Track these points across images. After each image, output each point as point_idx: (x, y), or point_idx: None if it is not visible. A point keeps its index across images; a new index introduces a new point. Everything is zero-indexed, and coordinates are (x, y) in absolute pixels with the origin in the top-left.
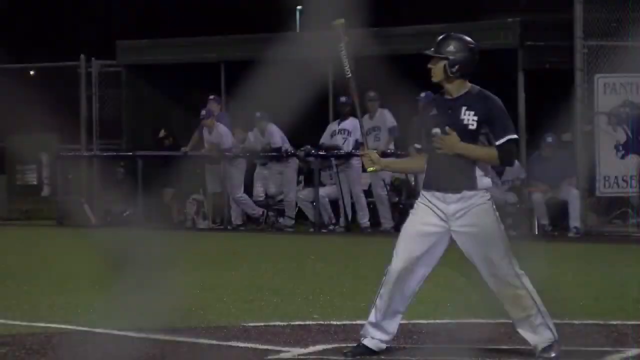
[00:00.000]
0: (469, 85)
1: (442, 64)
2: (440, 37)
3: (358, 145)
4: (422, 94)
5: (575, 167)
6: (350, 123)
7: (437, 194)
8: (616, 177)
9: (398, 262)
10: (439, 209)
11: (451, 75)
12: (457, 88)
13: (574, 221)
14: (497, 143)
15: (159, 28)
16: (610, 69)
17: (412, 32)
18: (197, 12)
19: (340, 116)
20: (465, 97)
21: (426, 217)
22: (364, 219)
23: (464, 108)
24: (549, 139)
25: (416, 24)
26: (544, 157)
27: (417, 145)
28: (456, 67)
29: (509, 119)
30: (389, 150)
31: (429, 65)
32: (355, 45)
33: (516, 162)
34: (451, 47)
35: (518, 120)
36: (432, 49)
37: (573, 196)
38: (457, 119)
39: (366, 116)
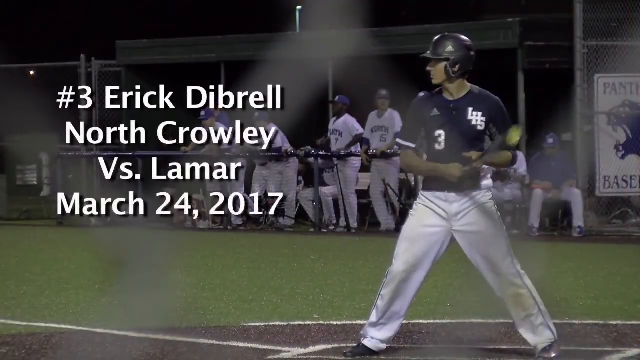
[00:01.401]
0: (469, 85)
1: (442, 65)
2: (436, 38)
3: (364, 142)
4: None
5: (576, 167)
6: (342, 123)
7: (439, 193)
8: (616, 177)
9: (399, 264)
10: (441, 208)
11: (453, 75)
12: (458, 88)
13: (578, 221)
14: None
15: (159, 28)
16: (610, 69)
17: (413, 32)
18: (197, 12)
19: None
20: (469, 97)
21: (426, 219)
22: (352, 220)
23: (470, 109)
24: (550, 140)
25: (416, 23)
26: (546, 157)
27: (412, 145)
28: (457, 66)
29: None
30: (389, 151)
31: (428, 68)
32: (356, 45)
33: (520, 156)
34: (449, 47)
35: (518, 120)
36: (429, 52)
37: (576, 196)
38: (464, 119)
39: (374, 114)
